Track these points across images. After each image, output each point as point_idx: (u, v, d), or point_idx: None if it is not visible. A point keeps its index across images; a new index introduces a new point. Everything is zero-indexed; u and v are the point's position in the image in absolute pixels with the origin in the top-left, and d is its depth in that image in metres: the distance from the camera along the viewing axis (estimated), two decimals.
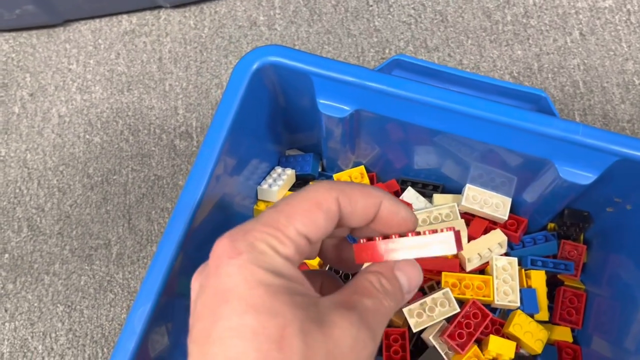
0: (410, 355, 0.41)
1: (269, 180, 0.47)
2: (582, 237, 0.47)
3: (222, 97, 0.38)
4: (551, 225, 0.47)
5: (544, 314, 0.43)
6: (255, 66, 0.39)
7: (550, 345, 0.43)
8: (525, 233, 0.47)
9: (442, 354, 0.41)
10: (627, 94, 0.59)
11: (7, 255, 0.55)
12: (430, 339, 0.41)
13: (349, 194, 0.25)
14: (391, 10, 0.63)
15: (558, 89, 0.59)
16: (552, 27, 0.62)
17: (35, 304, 0.54)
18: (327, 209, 0.24)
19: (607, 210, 0.43)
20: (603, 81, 0.59)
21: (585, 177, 0.37)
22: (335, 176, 0.48)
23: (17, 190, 0.57)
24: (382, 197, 0.26)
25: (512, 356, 0.40)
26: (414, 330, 0.41)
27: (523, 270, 0.44)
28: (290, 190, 0.48)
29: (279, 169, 0.48)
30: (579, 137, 0.36)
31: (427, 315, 0.41)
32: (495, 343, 0.40)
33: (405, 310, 0.41)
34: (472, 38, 0.61)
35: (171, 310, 0.40)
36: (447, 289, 0.41)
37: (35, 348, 0.52)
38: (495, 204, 0.45)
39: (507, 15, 0.62)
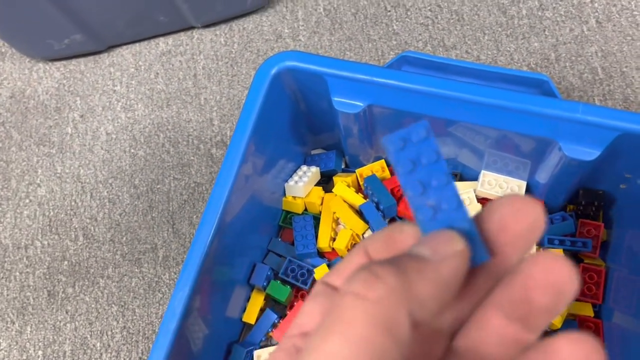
0: None
1: (295, 177, 0.50)
2: (601, 216, 0.48)
3: (245, 101, 0.42)
4: (571, 207, 0.49)
5: None
6: (273, 71, 0.42)
7: (571, 320, 0.44)
8: None
9: None
10: None
11: (66, 262, 0.61)
12: None
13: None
14: (408, 13, 0.66)
15: (576, 77, 0.60)
16: (568, 17, 0.63)
17: (93, 305, 0.59)
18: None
19: (620, 187, 0.44)
20: (622, 66, 0.60)
21: (589, 153, 0.39)
22: (358, 171, 0.51)
23: (73, 203, 0.63)
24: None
25: None
26: None
27: (541, 249, 0.46)
28: (316, 185, 0.51)
29: (304, 167, 0.51)
30: (580, 115, 0.38)
31: None
32: None
33: None
34: (488, 34, 0.64)
35: (207, 296, 0.43)
36: None
37: (94, 345, 0.57)
38: (510, 187, 0.47)
39: (522, 10, 0.64)
